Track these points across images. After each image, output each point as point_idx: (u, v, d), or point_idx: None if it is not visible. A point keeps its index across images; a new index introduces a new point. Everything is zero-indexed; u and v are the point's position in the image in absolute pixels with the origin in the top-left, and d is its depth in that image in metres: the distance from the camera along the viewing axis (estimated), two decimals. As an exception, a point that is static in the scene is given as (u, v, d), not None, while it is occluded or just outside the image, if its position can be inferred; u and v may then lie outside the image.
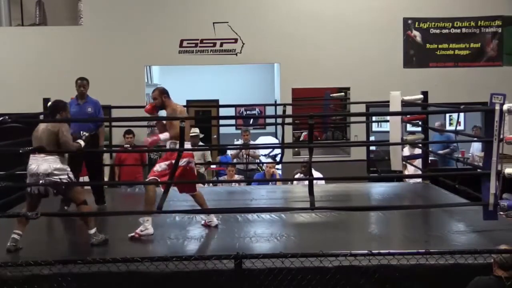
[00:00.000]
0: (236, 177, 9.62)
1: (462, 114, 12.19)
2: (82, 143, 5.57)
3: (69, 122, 6.90)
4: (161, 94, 5.88)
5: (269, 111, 12.93)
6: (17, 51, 11.26)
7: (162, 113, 6.03)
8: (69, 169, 5.34)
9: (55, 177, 5.19)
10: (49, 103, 5.94)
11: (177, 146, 5.52)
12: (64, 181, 5.23)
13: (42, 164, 5.18)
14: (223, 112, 12.73)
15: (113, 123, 9.18)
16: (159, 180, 5.65)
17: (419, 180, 8.44)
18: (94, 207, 6.78)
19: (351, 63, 11.34)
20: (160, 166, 5.73)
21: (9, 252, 5.10)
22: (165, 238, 5.55)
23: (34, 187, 5.20)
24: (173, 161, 5.52)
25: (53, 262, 4.11)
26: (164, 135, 5.73)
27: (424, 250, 4.31)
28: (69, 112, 5.99)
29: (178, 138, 5.45)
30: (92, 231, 5.36)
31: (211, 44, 11.33)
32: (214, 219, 6.04)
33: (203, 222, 6.07)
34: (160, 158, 6.08)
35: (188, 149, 5.76)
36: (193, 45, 11.33)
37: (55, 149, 5.24)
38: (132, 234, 5.59)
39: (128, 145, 10.07)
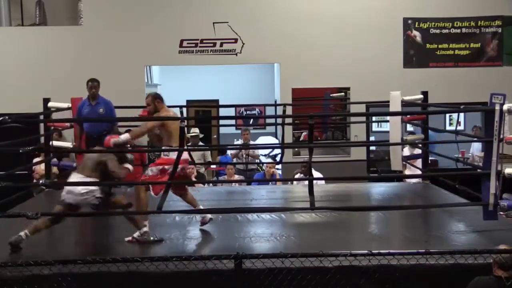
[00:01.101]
0: (236, 177, 9.61)
1: (462, 114, 12.18)
2: (130, 167, 5.60)
3: (79, 122, 6.95)
4: (154, 100, 5.84)
5: (269, 111, 12.92)
6: (17, 51, 11.26)
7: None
8: (97, 189, 5.32)
9: (88, 196, 5.25)
10: None
11: (169, 155, 5.56)
12: (98, 195, 5.26)
13: (78, 180, 5.31)
14: (223, 112, 12.72)
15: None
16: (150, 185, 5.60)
17: (419, 180, 8.44)
18: None
19: (351, 63, 11.33)
20: (151, 171, 5.70)
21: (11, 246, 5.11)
22: (165, 238, 5.54)
23: (69, 200, 5.28)
24: (165, 167, 5.55)
25: (53, 262, 4.11)
26: (124, 136, 5.68)
27: (424, 250, 4.30)
28: (82, 112, 6.10)
29: (141, 135, 5.60)
30: (143, 230, 5.39)
31: (211, 44, 11.33)
32: (207, 215, 5.97)
33: (199, 222, 6.03)
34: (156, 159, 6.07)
35: (188, 149, 5.76)
36: (193, 45, 11.33)
37: (95, 173, 5.30)
38: (129, 238, 5.49)
39: (128, 145, 10.05)
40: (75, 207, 5.38)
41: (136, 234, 5.47)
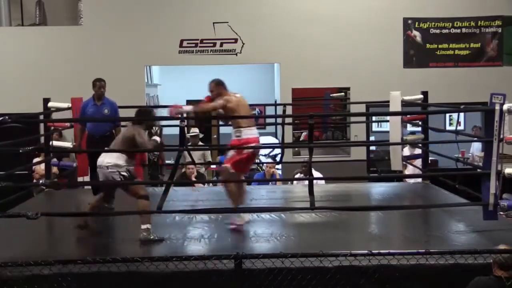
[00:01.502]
0: (236, 177, 9.59)
1: (462, 114, 12.19)
2: (158, 139, 5.94)
3: (80, 121, 6.95)
4: (217, 86, 6.08)
5: (269, 111, 12.91)
6: (17, 51, 11.26)
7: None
8: (131, 166, 5.70)
9: (112, 169, 5.57)
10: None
11: (241, 134, 5.85)
12: (123, 173, 5.59)
13: (107, 157, 5.63)
14: (223, 112, 12.68)
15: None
16: (229, 166, 5.85)
17: (419, 180, 8.44)
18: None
19: (351, 63, 11.33)
20: (229, 154, 5.99)
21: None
22: (165, 238, 5.54)
23: (100, 175, 5.68)
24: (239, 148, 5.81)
25: (53, 262, 4.11)
26: (188, 107, 6.10)
27: (424, 250, 4.30)
28: (87, 112, 6.55)
29: (207, 110, 5.89)
30: (144, 226, 5.48)
31: (211, 44, 11.33)
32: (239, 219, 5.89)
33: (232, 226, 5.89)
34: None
35: (188, 149, 5.76)
36: (193, 45, 11.33)
37: (124, 147, 5.65)
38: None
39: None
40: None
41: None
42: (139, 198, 5.61)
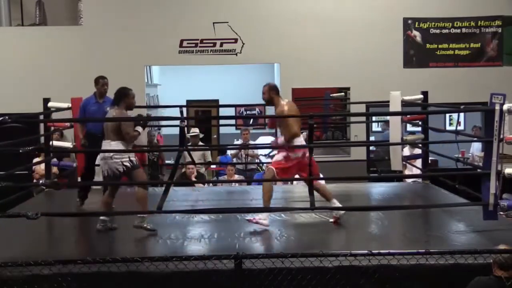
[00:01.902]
0: (236, 177, 9.61)
1: (462, 114, 12.19)
2: (140, 129, 5.99)
3: (84, 122, 6.94)
4: (270, 91, 6.10)
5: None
6: (17, 51, 11.26)
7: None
8: (132, 153, 5.83)
9: (117, 159, 5.68)
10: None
11: (293, 141, 5.92)
12: (126, 163, 5.68)
13: (107, 148, 5.73)
14: (223, 112, 12.72)
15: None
16: (275, 171, 5.91)
17: (419, 180, 8.44)
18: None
19: (351, 63, 11.34)
20: (276, 158, 6.03)
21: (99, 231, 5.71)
22: (165, 238, 5.55)
23: (104, 167, 5.76)
24: (288, 154, 5.88)
25: (53, 262, 4.11)
26: (281, 139, 6.15)
27: (424, 250, 4.30)
28: (89, 110, 6.63)
29: (291, 138, 5.90)
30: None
31: (211, 44, 11.34)
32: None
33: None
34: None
35: (188, 149, 5.76)
36: (193, 45, 11.34)
37: (118, 136, 5.75)
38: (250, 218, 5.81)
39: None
40: (114, 177, 5.76)
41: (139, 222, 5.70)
42: (139, 186, 5.79)
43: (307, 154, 5.93)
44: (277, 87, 6.17)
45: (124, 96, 5.98)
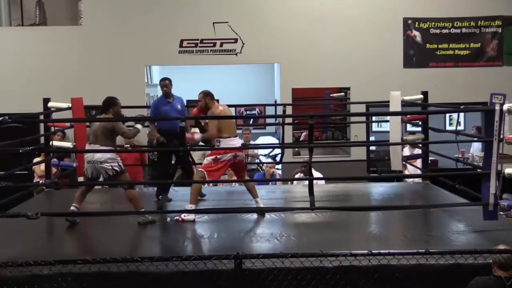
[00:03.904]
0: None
1: (462, 114, 12.18)
2: (139, 126, 6.23)
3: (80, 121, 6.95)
4: (205, 97, 6.61)
5: (269, 111, 12.92)
6: (17, 51, 11.26)
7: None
8: (119, 158, 5.99)
9: (106, 164, 5.86)
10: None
11: (219, 145, 6.35)
12: (116, 168, 5.87)
13: (97, 153, 5.87)
14: (223, 112, 12.68)
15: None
16: (205, 173, 6.25)
17: (419, 180, 8.44)
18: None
19: (351, 63, 11.34)
20: (206, 160, 6.37)
21: (68, 221, 5.96)
22: (165, 238, 5.55)
23: (89, 171, 5.96)
24: (217, 156, 6.28)
25: (53, 262, 4.11)
26: (199, 136, 6.69)
27: (424, 250, 4.30)
28: (161, 110, 6.98)
29: (212, 138, 6.42)
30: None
31: (211, 44, 11.33)
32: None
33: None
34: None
35: (188, 149, 5.79)
36: (193, 45, 11.33)
37: (107, 141, 5.93)
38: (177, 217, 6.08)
39: (128, 145, 10.06)
40: (96, 179, 5.99)
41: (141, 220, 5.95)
42: (128, 188, 6.04)
43: (240, 156, 6.45)
44: (211, 93, 6.67)
45: (112, 104, 6.17)
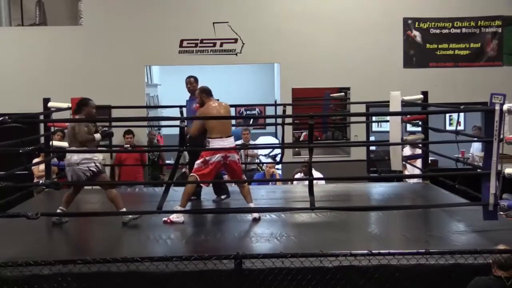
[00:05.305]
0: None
1: (462, 114, 12.18)
2: (98, 136, 6.09)
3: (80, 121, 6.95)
4: (201, 94, 6.48)
5: (269, 111, 12.93)
6: (17, 51, 11.26)
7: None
8: (96, 158, 5.98)
9: (82, 166, 5.86)
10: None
11: (209, 144, 6.18)
12: (92, 168, 5.88)
13: (73, 155, 5.90)
14: (223, 112, 12.68)
15: (113, 123, 9.14)
16: (197, 177, 6.09)
17: (419, 180, 8.44)
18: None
19: (351, 63, 11.34)
20: (196, 164, 6.18)
21: (55, 224, 5.96)
22: (165, 238, 5.55)
23: (69, 173, 5.98)
24: (206, 158, 6.10)
25: (53, 262, 4.12)
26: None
27: (424, 250, 4.30)
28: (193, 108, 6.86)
29: (210, 135, 6.22)
30: (123, 210, 5.92)
31: (211, 44, 11.33)
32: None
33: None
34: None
35: (188, 149, 5.77)
36: (193, 45, 11.33)
37: (75, 143, 5.95)
38: (165, 219, 6.01)
39: (128, 145, 10.07)
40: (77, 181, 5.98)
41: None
42: (109, 188, 6.04)
43: (231, 158, 6.22)
44: (207, 89, 6.52)
45: (84, 105, 6.11)
